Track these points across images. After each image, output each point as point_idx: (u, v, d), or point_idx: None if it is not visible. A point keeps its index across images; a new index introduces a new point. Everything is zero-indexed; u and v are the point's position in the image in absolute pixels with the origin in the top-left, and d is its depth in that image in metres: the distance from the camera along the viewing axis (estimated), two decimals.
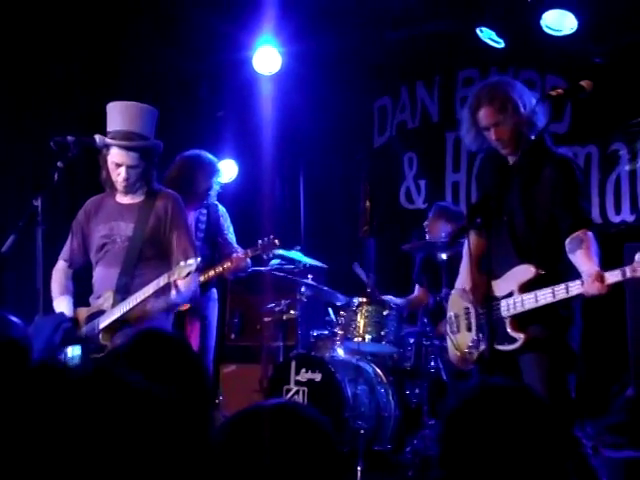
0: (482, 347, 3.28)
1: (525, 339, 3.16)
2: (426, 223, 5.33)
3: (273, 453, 1.29)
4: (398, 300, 5.22)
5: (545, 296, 3.09)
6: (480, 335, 3.29)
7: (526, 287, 3.15)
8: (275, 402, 1.39)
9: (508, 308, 3.19)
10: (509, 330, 3.19)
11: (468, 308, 3.39)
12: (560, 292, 3.06)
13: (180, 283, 3.64)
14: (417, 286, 5.44)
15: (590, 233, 3.14)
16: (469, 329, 3.37)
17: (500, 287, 3.22)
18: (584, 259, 3.06)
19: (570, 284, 3.03)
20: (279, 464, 1.28)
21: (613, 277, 2.93)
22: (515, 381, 1.55)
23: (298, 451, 1.30)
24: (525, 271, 3.17)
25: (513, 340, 3.19)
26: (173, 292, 3.63)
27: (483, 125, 3.29)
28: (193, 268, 3.54)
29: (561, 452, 1.50)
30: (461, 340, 3.40)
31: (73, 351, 3.41)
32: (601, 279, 2.92)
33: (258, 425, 1.32)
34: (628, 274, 2.89)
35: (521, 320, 3.19)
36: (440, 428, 1.60)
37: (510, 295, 3.19)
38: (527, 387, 1.54)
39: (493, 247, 3.15)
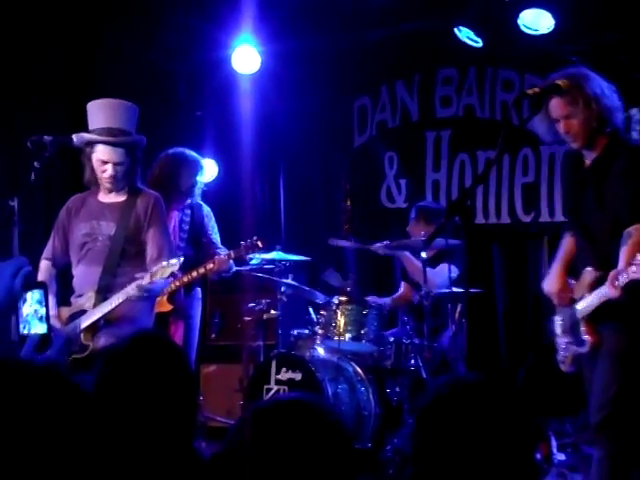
0: (572, 350, 3.26)
1: (592, 342, 3.14)
2: (408, 228, 5.35)
3: (290, 448, 1.30)
4: (381, 300, 5.24)
5: (594, 298, 3.09)
6: (568, 338, 3.28)
7: (593, 289, 3.12)
8: (292, 396, 1.39)
9: (581, 311, 3.19)
10: (582, 332, 3.18)
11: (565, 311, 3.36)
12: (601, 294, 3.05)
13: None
14: (402, 283, 5.44)
15: None
16: (563, 332, 3.35)
17: (577, 290, 3.22)
18: (620, 257, 2.99)
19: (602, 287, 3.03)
20: (296, 459, 1.29)
21: (622, 279, 2.90)
22: (485, 376, 1.56)
23: (314, 446, 1.31)
24: (590, 273, 3.15)
25: (583, 343, 3.18)
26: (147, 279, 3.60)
27: (553, 116, 3.19)
28: (176, 268, 3.55)
29: (529, 444, 1.52)
30: (559, 344, 3.38)
31: (35, 328, 3.31)
32: (613, 281, 2.92)
33: (276, 420, 1.34)
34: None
35: (593, 322, 3.15)
36: (412, 425, 1.61)
37: (582, 298, 3.18)
38: (496, 381, 1.55)
39: (577, 249, 3.20)
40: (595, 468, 3.12)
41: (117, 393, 1.79)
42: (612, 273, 2.93)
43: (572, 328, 3.25)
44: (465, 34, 5.34)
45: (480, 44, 5.37)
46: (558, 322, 3.37)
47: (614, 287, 2.91)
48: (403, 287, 5.41)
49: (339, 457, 1.34)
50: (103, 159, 3.72)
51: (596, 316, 3.13)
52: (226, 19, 5.63)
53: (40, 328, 3.26)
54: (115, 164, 3.72)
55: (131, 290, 3.57)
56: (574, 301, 3.22)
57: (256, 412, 1.37)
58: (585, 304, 3.16)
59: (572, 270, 3.33)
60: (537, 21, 5.03)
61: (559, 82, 3.10)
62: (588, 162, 3.24)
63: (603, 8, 4.98)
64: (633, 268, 2.86)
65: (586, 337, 3.16)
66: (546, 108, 3.19)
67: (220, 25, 5.68)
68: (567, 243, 3.34)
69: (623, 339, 3.10)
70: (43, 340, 3.29)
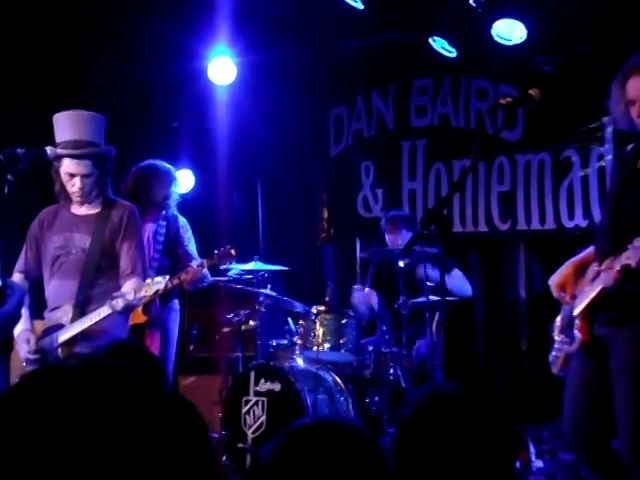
0: (565, 350, 3.12)
1: (582, 340, 3.00)
2: (388, 238, 5.38)
3: (327, 473, 1.27)
4: (364, 289, 5.26)
5: (591, 290, 2.94)
6: (563, 337, 3.14)
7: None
8: (328, 419, 1.36)
9: (577, 305, 3.04)
10: (574, 328, 3.05)
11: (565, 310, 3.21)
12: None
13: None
14: (367, 289, 5.44)
15: None
16: (560, 331, 3.20)
17: (580, 286, 3.08)
18: None
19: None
20: None
21: (617, 265, 2.77)
22: (464, 386, 1.56)
23: (354, 470, 1.28)
24: (594, 268, 3.00)
25: (573, 340, 3.04)
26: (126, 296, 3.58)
27: (630, 96, 2.93)
28: (162, 286, 3.53)
29: (509, 452, 1.53)
30: (554, 343, 3.23)
31: None
32: (608, 266, 2.81)
33: (311, 444, 1.30)
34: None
35: (590, 320, 3.00)
36: (394, 435, 1.62)
37: (581, 293, 3.05)
38: (476, 391, 1.56)
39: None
40: None
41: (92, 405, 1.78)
42: (609, 258, 2.82)
43: (569, 326, 3.12)
44: (439, 44, 5.38)
45: (454, 54, 5.42)
46: (557, 322, 3.24)
47: (609, 272, 2.80)
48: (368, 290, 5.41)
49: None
50: (70, 172, 3.69)
51: (604, 320, 2.96)
52: (202, 30, 5.63)
53: None
54: (82, 176, 3.68)
55: (117, 305, 3.55)
56: (575, 297, 3.09)
57: (290, 433, 1.33)
58: (581, 298, 3.03)
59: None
60: (510, 31, 5.08)
61: (531, 92, 3.09)
62: None
63: (575, 18, 5.05)
64: (627, 253, 2.73)
65: (577, 333, 3.02)
66: (624, 89, 2.96)
67: (196, 36, 5.68)
68: (591, 248, 3.17)
69: (636, 346, 2.90)
70: None
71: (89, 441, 0.90)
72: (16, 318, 3.11)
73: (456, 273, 5.26)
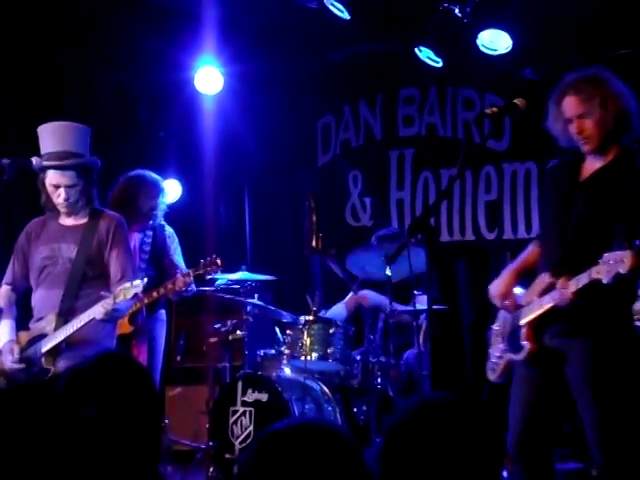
0: (507, 357, 3.13)
1: (530, 349, 2.99)
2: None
3: (305, 474, 1.28)
4: (340, 305, 5.25)
5: (541, 303, 2.95)
6: (504, 345, 3.15)
7: (543, 294, 2.98)
8: (301, 420, 1.37)
9: (524, 315, 3.04)
10: (522, 337, 3.04)
11: (504, 318, 3.22)
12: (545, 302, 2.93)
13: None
14: (351, 293, 5.42)
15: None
16: (501, 339, 3.20)
17: (527, 295, 3.09)
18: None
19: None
20: None
21: (575, 284, 2.80)
22: (452, 395, 1.57)
23: (329, 471, 1.29)
24: (544, 278, 3.00)
25: (520, 349, 3.04)
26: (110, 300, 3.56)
27: (567, 115, 3.02)
28: (139, 289, 3.51)
29: (496, 462, 1.54)
30: (492, 352, 3.25)
31: None
32: (563, 285, 2.84)
33: (288, 445, 1.32)
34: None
35: (536, 330, 3.02)
36: (381, 444, 1.61)
37: (529, 303, 3.05)
38: (464, 400, 1.56)
39: (542, 257, 3.07)
40: None
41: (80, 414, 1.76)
42: (563, 278, 2.83)
43: (511, 334, 3.12)
44: (425, 54, 5.41)
45: (440, 64, 5.45)
46: (495, 328, 3.25)
47: (563, 292, 2.82)
48: (351, 295, 5.40)
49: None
50: (54, 183, 3.69)
51: (557, 331, 2.99)
52: (188, 40, 5.64)
53: None
54: (67, 187, 3.68)
55: (97, 311, 3.53)
56: (519, 307, 3.09)
57: (267, 436, 1.35)
58: (530, 309, 3.01)
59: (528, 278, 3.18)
60: (495, 41, 5.12)
61: (517, 101, 3.11)
62: (588, 170, 3.05)
63: (560, 29, 5.09)
64: (598, 268, 2.70)
65: (525, 343, 3.01)
66: (560, 108, 3.05)
67: (182, 46, 5.69)
68: (529, 252, 3.22)
69: (595, 357, 2.91)
70: None
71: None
72: None
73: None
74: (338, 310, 5.34)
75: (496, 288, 3.19)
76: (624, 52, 5.09)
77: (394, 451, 1.55)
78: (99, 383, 1.82)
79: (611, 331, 2.94)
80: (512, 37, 5.04)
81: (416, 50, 5.42)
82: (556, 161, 3.27)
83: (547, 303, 2.94)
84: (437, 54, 5.39)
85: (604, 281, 2.69)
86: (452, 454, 1.50)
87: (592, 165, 3.06)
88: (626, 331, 3.00)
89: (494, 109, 3.13)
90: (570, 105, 3.02)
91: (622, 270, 2.63)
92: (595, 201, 2.99)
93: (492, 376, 3.25)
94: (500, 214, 5.79)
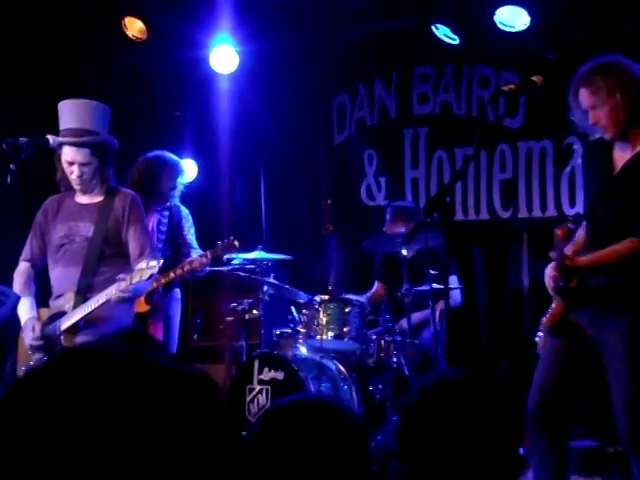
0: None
1: (553, 317, 3.14)
2: (384, 228, 5.39)
3: (307, 449, 1.30)
4: (361, 298, 5.26)
5: None
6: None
7: None
8: (310, 397, 1.38)
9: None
10: None
11: None
12: None
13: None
14: (376, 282, 5.50)
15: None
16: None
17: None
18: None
19: None
20: (312, 460, 1.29)
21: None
22: (468, 372, 1.57)
23: (332, 446, 1.31)
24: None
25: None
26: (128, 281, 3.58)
27: (583, 107, 3.08)
28: (155, 270, 3.51)
29: (513, 438, 1.54)
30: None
31: None
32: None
33: (293, 420, 1.34)
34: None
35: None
36: (398, 421, 1.62)
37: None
38: (480, 377, 1.57)
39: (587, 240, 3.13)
40: None
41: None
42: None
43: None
44: (442, 32, 5.37)
45: (457, 41, 5.40)
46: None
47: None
48: (376, 286, 5.47)
49: (354, 458, 1.33)
50: (68, 160, 3.70)
51: (595, 311, 3.05)
52: (204, 19, 5.62)
53: None
54: (81, 164, 3.69)
55: (113, 292, 3.55)
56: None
57: (273, 412, 1.36)
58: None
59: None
60: (513, 18, 5.07)
61: (534, 78, 3.09)
62: (620, 157, 3.10)
63: (578, 4, 5.03)
64: None
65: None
66: (577, 100, 3.10)
67: (198, 25, 5.67)
68: (578, 235, 3.22)
69: (634, 332, 2.96)
70: None
71: (117, 420, 0.90)
72: (10, 324, 3.13)
73: (452, 280, 5.22)
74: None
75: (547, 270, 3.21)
76: None
77: (410, 429, 1.56)
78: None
79: None
80: (530, 13, 4.99)
81: (433, 28, 5.38)
82: (595, 138, 3.24)
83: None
84: (454, 31, 5.34)
85: None
86: (468, 431, 1.51)
87: (622, 155, 3.10)
88: None
89: (511, 86, 3.10)
90: (583, 98, 3.08)
91: None
92: (628, 196, 3.02)
93: (538, 349, 3.28)
94: (515, 193, 5.75)
